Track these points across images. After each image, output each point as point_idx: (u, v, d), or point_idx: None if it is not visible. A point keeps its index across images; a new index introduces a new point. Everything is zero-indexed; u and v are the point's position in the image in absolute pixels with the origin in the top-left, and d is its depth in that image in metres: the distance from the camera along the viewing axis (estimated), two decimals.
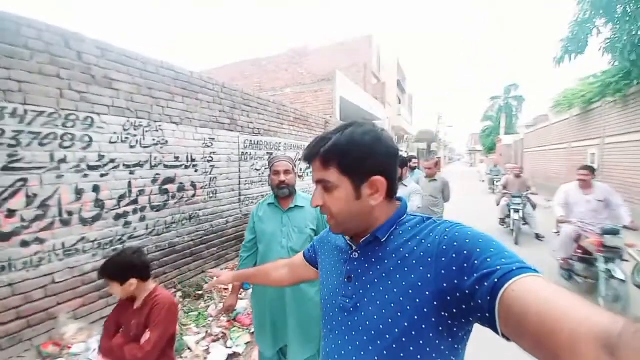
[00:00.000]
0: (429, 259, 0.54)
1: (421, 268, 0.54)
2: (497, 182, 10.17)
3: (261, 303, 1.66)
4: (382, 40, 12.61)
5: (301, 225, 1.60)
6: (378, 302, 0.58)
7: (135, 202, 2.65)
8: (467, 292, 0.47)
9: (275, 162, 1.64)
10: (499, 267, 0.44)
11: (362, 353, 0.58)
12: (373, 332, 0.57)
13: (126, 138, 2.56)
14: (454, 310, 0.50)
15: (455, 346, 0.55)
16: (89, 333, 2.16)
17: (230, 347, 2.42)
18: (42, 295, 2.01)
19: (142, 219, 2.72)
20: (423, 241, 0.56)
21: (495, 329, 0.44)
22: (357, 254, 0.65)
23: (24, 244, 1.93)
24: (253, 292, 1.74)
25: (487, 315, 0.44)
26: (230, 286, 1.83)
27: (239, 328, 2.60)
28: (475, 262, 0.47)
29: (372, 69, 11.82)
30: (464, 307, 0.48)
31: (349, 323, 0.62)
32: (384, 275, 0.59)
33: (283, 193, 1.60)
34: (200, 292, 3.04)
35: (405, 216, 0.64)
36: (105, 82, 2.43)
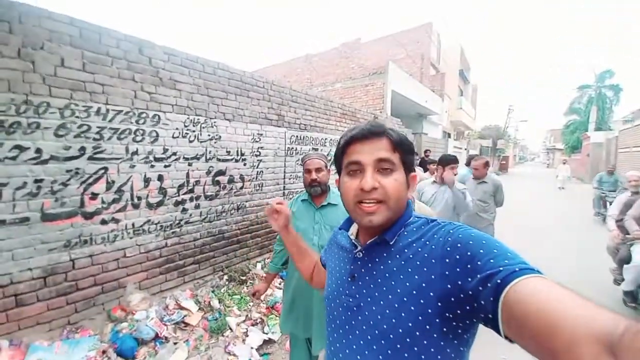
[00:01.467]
0: (433, 261, 0.54)
1: (425, 269, 0.54)
2: (611, 200, 6.20)
3: (289, 289, 1.70)
4: (443, 28, 11.66)
5: (333, 223, 1.59)
6: (381, 302, 0.58)
7: (191, 191, 2.95)
8: (470, 293, 0.47)
9: (307, 159, 1.65)
10: (501, 268, 0.44)
11: (366, 352, 0.59)
12: (377, 332, 0.57)
13: (186, 133, 2.85)
14: (458, 312, 0.50)
15: (461, 348, 0.54)
16: (150, 302, 2.50)
17: (267, 333, 2.56)
18: (115, 267, 2.38)
19: (197, 206, 3.01)
20: (427, 243, 0.57)
21: (498, 331, 0.44)
22: (361, 254, 0.66)
23: (103, 222, 2.31)
24: (285, 282, 1.80)
25: (490, 316, 0.44)
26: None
27: (276, 316, 2.73)
28: (479, 263, 0.47)
29: (430, 59, 11.04)
30: (467, 308, 0.48)
31: (353, 322, 0.62)
32: (387, 275, 0.59)
33: (315, 191, 1.61)
34: (244, 278, 3.26)
35: (411, 218, 0.65)
36: (170, 83, 2.72)
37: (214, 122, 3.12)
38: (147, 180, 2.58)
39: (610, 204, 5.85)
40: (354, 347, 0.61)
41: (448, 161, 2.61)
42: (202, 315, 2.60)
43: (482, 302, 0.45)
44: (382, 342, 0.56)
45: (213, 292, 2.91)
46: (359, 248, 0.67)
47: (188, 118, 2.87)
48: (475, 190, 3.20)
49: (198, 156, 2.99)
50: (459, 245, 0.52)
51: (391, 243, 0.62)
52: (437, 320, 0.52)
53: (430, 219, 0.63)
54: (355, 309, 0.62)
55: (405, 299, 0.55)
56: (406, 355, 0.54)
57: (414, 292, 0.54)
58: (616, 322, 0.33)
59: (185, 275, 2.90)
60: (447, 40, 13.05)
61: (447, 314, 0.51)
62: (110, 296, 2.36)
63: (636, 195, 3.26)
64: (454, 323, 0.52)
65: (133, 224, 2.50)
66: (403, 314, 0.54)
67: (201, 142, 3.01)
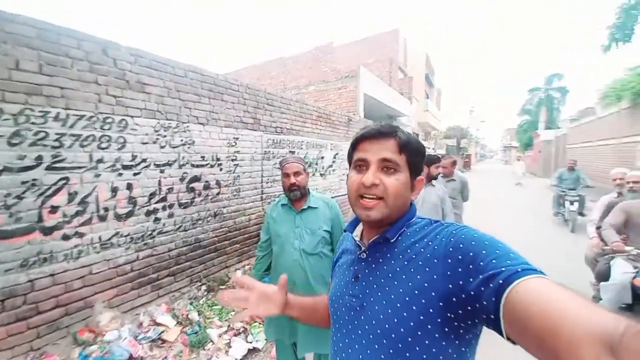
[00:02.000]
0: (435, 261, 0.54)
1: (427, 269, 0.55)
2: (573, 201, 5.80)
3: None
4: (409, 34, 12.19)
5: (314, 227, 1.59)
6: (384, 302, 0.59)
7: (164, 199, 2.80)
8: (472, 293, 0.47)
9: (285, 163, 1.63)
10: (503, 269, 0.44)
11: (368, 352, 0.59)
12: (379, 331, 0.58)
13: (157, 139, 2.71)
14: (460, 312, 0.50)
15: (463, 349, 0.54)
16: (121, 321, 2.33)
17: (251, 342, 2.49)
18: (80, 285, 2.19)
19: (171, 215, 2.86)
20: (430, 243, 0.57)
21: (500, 332, 0.44)
22: (365, 254, 0.67)
23: (65, 237, 2.11)
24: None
25: (492, 317, 0.44)
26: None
27: (260, 324, 2.67)
28: (481, 263, 0.47)
29: (398, 63, 11.48)
30: (469, 308, 0.48)
31: (356, 322, 0.63)
32: (390, 275, 0.60)
33: (295, 195, 1.59)
34: (224, 287, 3.15)
35: (414, 219, 0.66)
36: (138, 86, 2.57)
37: (187, 126, 3.00)
38: (114, 190, 2.41)
39: (571, 204, 5.88)
40: (357, 346, 0.61)
41: (432, 160, 2.72)
42: (180, 329, 2.47)
43: (484, 303, 0.45)
44: (384, 341, 0.57)
45: (191, 304, 2.78)
46: (363, 248, 0.68)
47: (158, 123, 2.73)
48: (445, 188, 3.38)
49: (170, 162, 2.85)
50: (461, 245, 0.52)
51: (392, 241, 0.63)
52: (439, 320, 0.52)
53: (433, 220, 0.64)
54: (358, 308, 0.63)
55: (407, 298, 0.55)
56: (408, 354, 0.55)
57: (416, 291, 0.55)
58: (617, 322, 0.33)
59: (159, 289, 2.74)
60: (413, 46, 13.67)
61: (448, 314, 0.52)
62: (76, 317, 2.16)
63: (622, 197, 2.78)
64: (456, 323, 0.52)
65: (100, 238, 2.32)
66: (405, 314, 0.55)
67: (173, 147, 2.87)
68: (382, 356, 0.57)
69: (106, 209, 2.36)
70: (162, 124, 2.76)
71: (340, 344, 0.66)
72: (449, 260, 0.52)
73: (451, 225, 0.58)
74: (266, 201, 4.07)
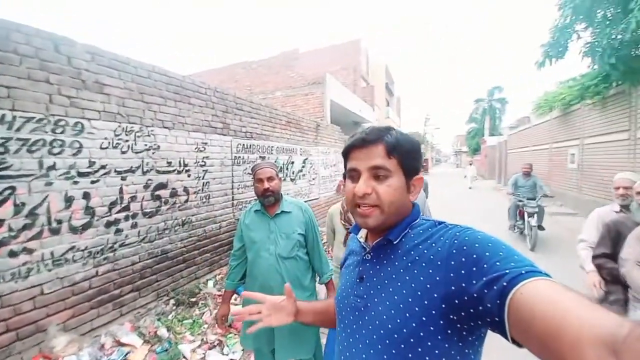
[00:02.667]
0: (439, 262, 0.54)
1: (430, 271, 0.55)
2: (532, 213, 5.04)
3: (248, 304, 1.66)
4: (370, 44, 12.79)
5: (288, 231, 1.60)
6: (387, 303, 0.59)
7: (127, 208, 2.60)
8: (475, 295, 0.47)
9: (257, 169, 1.62)
10: (507, 271, 0.44)
11: (371, 351, 0.59)
12: (382, 332, 0.58)
13: (117, 143, 2.51)
14: (463, 314, 0.50)
15: (466, 351, 0.54)
16: (80, 345, 2.10)
17: (227, 354, 2.40)
18: (31, 307, 1.94)
19: (134, 225, 2.66)
20: (434, 244, 0.57)
21: (505, 335, 0.44)
22: (369, 256, 0.68)
23: (12, 254, 1.86)
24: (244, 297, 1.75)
25: (497, 319, 0.44)
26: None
27: (235, 334, 2.58)
28: (485, 265, 0.47)
29: (361, 72, 11.97)
30: (471, 310, 0.48)
31: (360, 322, 0.63)
32: (394, 276, 0.60)
33: (268, 201, 1.59)
34: (194, 299, 3.00)
35: (417, 220, 0.66)
36: (96, 87, 2.38)
37: (151, 130, 2.83)
38: (68, 200, 2.19)
39: (531, 216, 5.03)
40: (360, 346, 0.62)
41: None
42: (148, 348, 2.30)
43: (488, 305, 0.45)
44: (387, 341, 0.57)
45: (159, 320, 2.60)
46: (367, 250, 0.69)
47: (119, 126, 2.54)
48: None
49: (133, 169, 2.66)
50: (464, 247, 0.52)
51: (395, 243, 0.63)
52: (441, 322, 0.52)
53: (437, 222, 0.63)
54: (362, 309, 0.63)
55: (410, 299, 0.55)
56: (410, 355, 0.55)
57: (419, 293, 0.55)
58: (621, 324, 0.33)
59: (122, 306, 2.52)
60: (374, 56, 14.37)
61: (451, 316, 0.51)
62: (29, 343, 1.91)
63: (628, 213, 2.05)
64: (459, 325, 0.52)
65: (52, 253, 2.08)
66: (407, 315, 0.55)
67: (136, 152, 2.69)
68: (385, 356, 0.57)
69: (59, 221, 2.13)
70: (124, 128, 2.58)
71: (345, 343, 0.66)
72: (452, 262, 0.52)
73: (455, 227, 0.58)
74: (237, 207, 3.97)
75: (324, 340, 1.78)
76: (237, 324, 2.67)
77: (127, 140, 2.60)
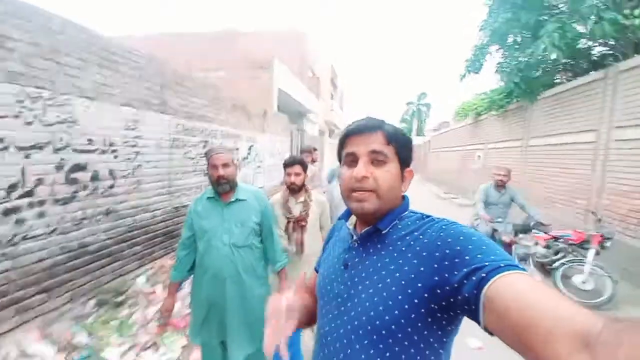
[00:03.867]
0: (424, 254, 0.57)
1: (415, 261, 0.57)
2: (525, 254, 3.59)
3: (199, 299, 1.59)
4: (318, 37, 12.79)
5: (244, 219, 1.56)
6: (371, 291, 0.60)
7: (31, 193, 2.10)
8: (456, 285, 0.49)
9: (212, 154, 1.53)
10: (487, 263, 0.47)
11: (353, 337, 0.60)
12: (364, 319, 0.59)
13: (20, 112, 2.00)
14: (443, 303, 0.52)
15: (444, 339, 0.58)
16: None
17: (164, 354, 2.21)
18: None
19: (41, 214, 2.18)
20: (420, 237, 0.60)
21: (478, 322, 0.46)
22: (356, 244, 0.68)
23: None
24: (192, 289, 1.65)
25: (473, 307, 0.46)
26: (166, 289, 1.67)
27: (172, 332, 2.38)
28: (466, 257, 0.50)
29: (308, 62, 11.91)
30: (452, 300, 0.51)
31: (342, 308, 0.64)
32: (379, 265, 0.62)
33: (223, 189, 1.52)
34: (120, 298, 2.63)
35: (406, 212, 0.68)
36: None
37: (67, 99, 2.33)
38: None
39: (524, 260, 3.49)
40: (341, 331, 0.63)
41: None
42: (64, 357, 1.95)
43: (466, 295, 0.47)
44: (369, 328, 0.58)
45: (77, 324, 2.21)
46: (355, 238, 0.69)
47: (23, 90, 2.02)
48: None
49: (41, 145, 2.16)
50: (449, 240, 0.55)
51: (384, 232, 0.64)
52: (423, 310, 0.54)
53: (425, 215, 0.66)
54: (345, 296, 0.64)
55: (394, 288, 0.57)
56: (391, 341, 0.57)
57: (403, 282, 0.57)
58: (594, 320, 0.34)
59: (28, 311, 2.06)
60: (320, 48, 14.43)
61: (432, 305, 0.54)
62: None
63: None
64: (439, 314, 0.54)
65: None
66: (390, 302, 0.57)
67: (46, 125, 2.19)
68: (366, 342, 0.59)
69: None
70: (29, 93, 2.06)
71: (326, 328, 0.67)
72: (437, 254, 0.55)
73: (441, 220, 0.61)
74: (175, 195, 3.59)
75: None
76: (175, 320, 2.46)
77: (32, 109, 2.08)
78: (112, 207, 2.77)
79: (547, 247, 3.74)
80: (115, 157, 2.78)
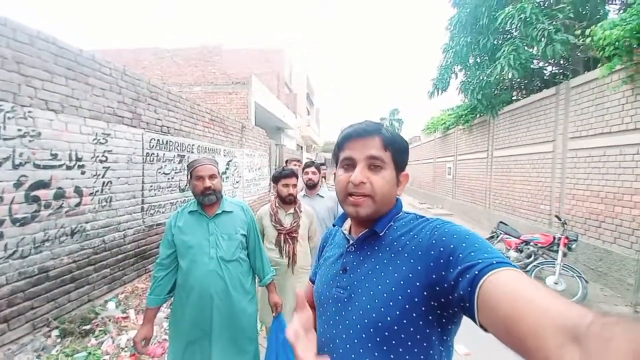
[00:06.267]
0: (420, 253, 0.57)
1: (412, 261, 0.58)
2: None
3: (181, 325, 1.48)
4: (293, 55, 13.13)
5: (231, 231, 1.51)
6: (371, 293, 0.60)
7: None
8: (452, 283, 0.50)
9: (197, 165, 1.49)
10: (480, 261, 0.48)
11: (355, 341, 0.60)
12: (366, 321, 0.59)
13: None
14: (442, 300, 0.53)
15: (444, 337, 0.58)
16: None
17: None
18: None
19: None
20: (415, 236, 0.60)
21: (474, 319, 0.47)
22: (353, 248, 0.69)
23: None
24: (172, 314, 1.54)
25: (468, 304, 0.47)
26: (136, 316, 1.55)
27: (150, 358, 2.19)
28: (460, 255, 0.51)
29: (284, 79, 12.11)
30: (450, 297, 0.51)
31: (343, 313, 0.64)
32: (377, 267, 0.62)
33: (210, 200, 1.47)
34: (87, 327, 2.40)
35: (400, 213, 0.69)
36: None
37: (29, 112, 2.19)
38: None
39: None
40: (344, 336, 0.62)
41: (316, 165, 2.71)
42: None
43: (461, 292, 0.48)
44: (371, 330, 0.58)
45: (38, 357, 1.98)
46: (351, 242, 0.69)
47: None
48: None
49: None
50: (444, 238, 0.56)
51: (381, 234, 0.65)
52: (423, 308, 0.55)
53: (418, 215, 0.67)
54: (345, 300, 0.64)
55: (393, 288, 0.58)
56: (393, 342, 0.57)
57: (402, 282, 0.57)
58: (584, 314, 0.34)
59: None
60: (296, 66, 14.78)
61: (432, 303, 0.54)
62: None
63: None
64: (439, 312, 0.55)
65: None
66: (391, 303, 0.57)
67: (5, 139, 2.03)
68: (369, 344, 0.58)
69: None
70: None
71: (328, 335, 0.66)
72: (432, 252, 0.56)
73: (435, 220, 0.63)
74: (148, 212, 3.41)
75: (263, 351, 1.69)
76: (151, 348, 2.27)
77: None
78: (78, 227, 2.58)
79: (519, 250, 3.95)
80: (83, 172, 2.62)
